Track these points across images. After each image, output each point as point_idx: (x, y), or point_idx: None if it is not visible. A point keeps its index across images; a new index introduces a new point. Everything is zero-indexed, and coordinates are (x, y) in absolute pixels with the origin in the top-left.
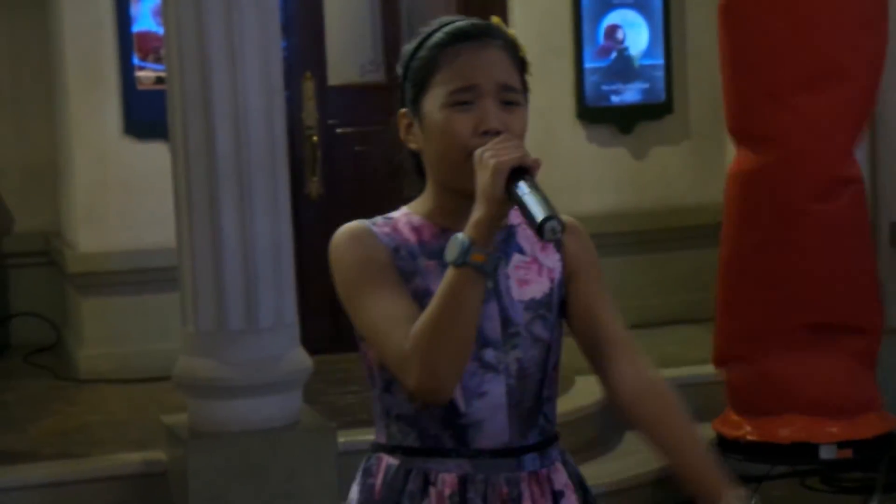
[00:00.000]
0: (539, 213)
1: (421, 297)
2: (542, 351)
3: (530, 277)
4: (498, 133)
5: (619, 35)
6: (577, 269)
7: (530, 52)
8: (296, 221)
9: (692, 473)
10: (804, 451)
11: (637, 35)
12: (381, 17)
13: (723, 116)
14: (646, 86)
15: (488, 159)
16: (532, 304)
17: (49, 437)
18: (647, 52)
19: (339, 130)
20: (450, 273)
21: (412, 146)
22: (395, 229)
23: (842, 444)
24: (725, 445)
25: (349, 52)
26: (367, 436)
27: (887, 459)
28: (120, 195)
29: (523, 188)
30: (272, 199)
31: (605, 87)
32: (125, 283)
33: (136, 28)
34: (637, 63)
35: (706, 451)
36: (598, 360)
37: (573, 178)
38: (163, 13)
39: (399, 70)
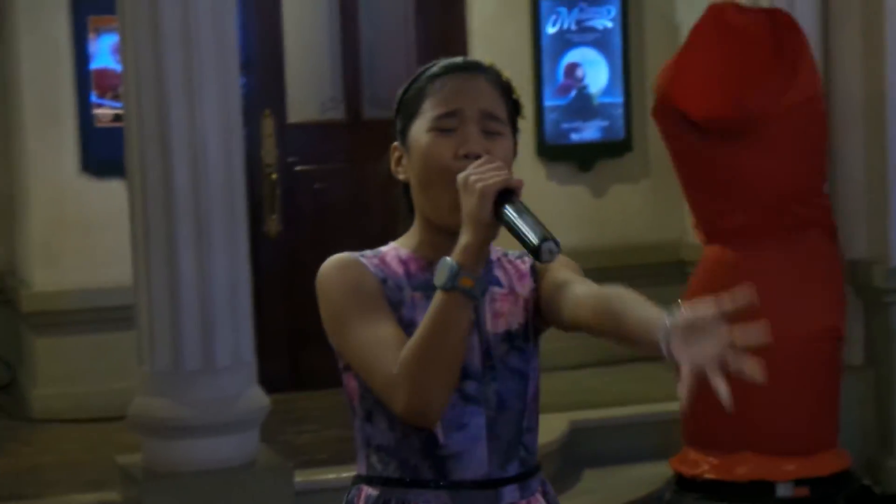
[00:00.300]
0: (534, 236)
1: (406, 328)
2: (520, 382)
3: (506, 309)
4: (479, 157)
5: (579, 73)
6: (546, 273)
7: None
8: (254, 260)
9: (639, 326)
10: (762, 489)
11: (597, 73)
12: (342, 54)
13: None
14: (605, 124)
15: (473, 183)
16: (507, 336)
17: (1, 477)
18: (607, 90)
19: (298, 168)
20: (438, 297)
21: (401, 177)
22: (383, 262)
23: (799, 482)
24: (684, 484)
25: (309, 90)
26: (325, 475)
27: (844, 497)
28: (76, 233)
29: (511, 211)
30: (230, 237)
31: (564, 125)
32: (81, 321)
33: (94, 65)
34: (596, 101)
35: (650, 305)
36: (567, 311)
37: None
38: (121, 50)
39: (395, 106)
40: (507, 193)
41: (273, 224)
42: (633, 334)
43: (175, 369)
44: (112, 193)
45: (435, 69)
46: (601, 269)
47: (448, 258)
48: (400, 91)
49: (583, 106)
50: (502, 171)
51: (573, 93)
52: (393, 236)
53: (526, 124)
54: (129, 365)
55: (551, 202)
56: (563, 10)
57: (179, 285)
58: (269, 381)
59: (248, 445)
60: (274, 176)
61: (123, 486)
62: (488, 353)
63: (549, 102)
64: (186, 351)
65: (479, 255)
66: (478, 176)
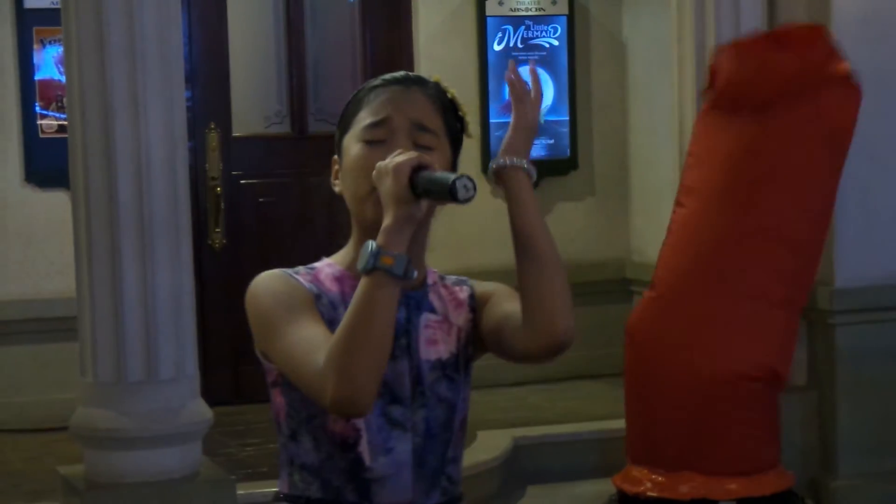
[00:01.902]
0: (448, 178)
1: None
2: (448, 411)
3: (438, 337)
4: None
5: None
6: (484, 302)
7: None
8: (198, 272)
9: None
10: None
11: (542, 91)
12: (287, 68)
13: (626, 173)
14: (551, 142)
15: (386, 165)
16: (438, 365)
17: None
18: (553, 109)
19: (243, 181)
20: (362, 281)
21: (337, 189)
22: (316, 279)
23: (741, 501)
24: (626, 501)
25: (254, 104)
26: (267, 488)
27: None
28: (19, 243)
29: (424, 175)
30: (174, 250)
31: None
32: (23, 332)
33: (39, 76)
34: (542, 119)
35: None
36: (526, 322)
37: (477, 233)
38: (65, 61)
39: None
40: (421, 170)
41: (217, 237)
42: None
43: (118, 381)
44: (56, 204)
45: (375, 81)
46: None
47: (370, 241)
48: (344, 106)
49: None
50: (412, 155)
51: None
52: (337, 250)
53: (472, 142)
54: (71, 376)
55: (495, 219)
56: (510, 27)
57: (123, 297)
58: (212, 394)
59: (190, 457)
60: (218, 189)
61: (65, 497)
62: (418, 379)
63: (494, 119)
64: (129, 362)
65: (400, 234)
66: (389, 159)
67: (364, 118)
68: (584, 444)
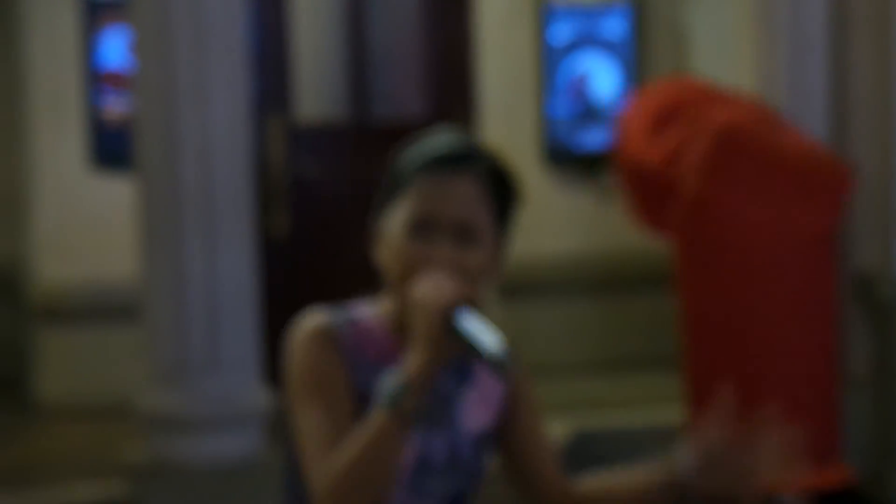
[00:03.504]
0: (484, 348)
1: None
2: (475, 482)
3: (481, 412)
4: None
5: (587, 81)
6: (517, 409)
7: (496, 92)
8: (261, 260)
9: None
10: (766, 501)
11: (605, 81)
12: (350, 57)
13: None
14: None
15: (424, 301)
16: (481, 439)
17: (7, 469)
18: (616, 96)
19: (305, 170)
20: (376, 413)
21: (376, 258)
22: (358, 342)
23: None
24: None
25: (317, 92)
26: None
27: None
28: (83, 228)
29: (461, 323)
30: (237, 235)
31: (571, 133)
32: (86, 316)
33: (104, 62)
34: (605, 109)
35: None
36: (539, 493)
37: (537, 221)
38: (131, 47)
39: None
40: (459, 307)
41: (280, 225)
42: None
43: (180, 365)
44: (119, 189)
45: (421, 157)
46: (605, 275)
47: (394, 375)
48: (396, 161)
49: (590, 114)
50: (449, 287)
51: (581, 100)
52: None
53: (532, 131)
54: (134, 360)
55: (556, 209)
56: (573, 17)
57: (186, 282)
58: (274, 380)
59: (252, 443)
60: (281, 178)
61: (128, 480)
62: (455, 449)
63: (555, 109)
64: (192, 347)
65: (427, 374)
66: (423, 293)
67: (407, 206)
68: (646, 435)
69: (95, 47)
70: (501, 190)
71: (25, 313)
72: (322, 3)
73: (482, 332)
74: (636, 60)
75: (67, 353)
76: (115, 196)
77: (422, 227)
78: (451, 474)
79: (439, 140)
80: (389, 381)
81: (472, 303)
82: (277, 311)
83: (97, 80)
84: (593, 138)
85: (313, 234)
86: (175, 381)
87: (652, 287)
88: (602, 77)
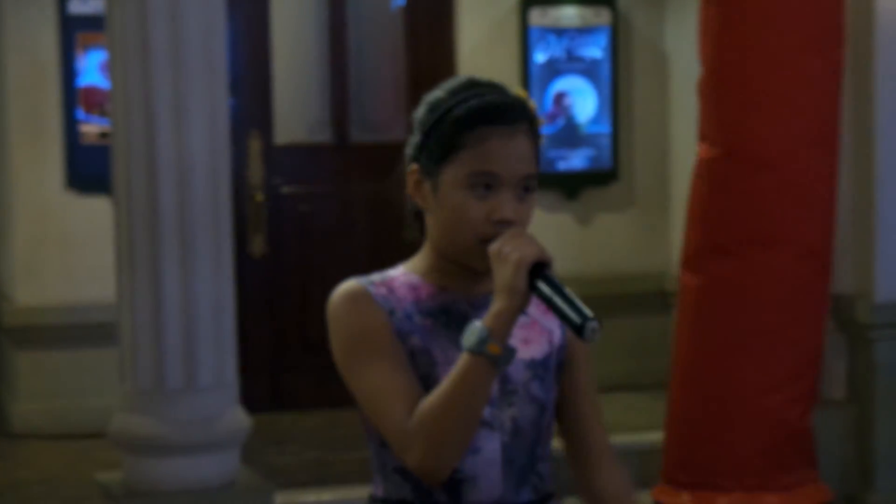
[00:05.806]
0: (576, 315)
1: (420, 355)
2: (538, 410)
3: (532, 338)
4: (509, 223)
5: (567, 102)
6: (573, 359)
7: None
8: (238, 280)
9: None
10: None
11: (585, 102)
12: (330, 76)
13: (668, 185)
14: (592, 153)
15: (508, 254)
16: (532, 364)
17: None
18: (595, 120)
19: (284, 189)
20: (464, 359)
21: (418, 202)
22: (390, 290)
23: None
24: None
25: (296, 112)
26: (305, 497)
27: None
28: (60, 249)
29: (547, 286)
30: (215, 256)
31: (551, 153)
32: (62, 337)
33: (82, 82)
34: (584, 130)
35: None
36: (579, 463)
37: None
38: (110, 68)
39: (416, 126)
40: (540, 265)
41: (258, 245)
42: None
43: (156, 388)
44: (96, 210)
45: (466, 114)
46: (585, 297)
47: (478, 322)
48: (425, 118)
49: (570, 135)
50: (534, 244)
51: (561, 121)
52: (378, 259)
53: None
54: (110, 382)
55: (536, 230)
56: (553, 38)
57: (163, 304)
58: (250, 402)
59: (228, 465)
60: (259, 197)
61: None
62: (506, 378)
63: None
64: (169, 369)
65: (510, 323)
66: (512, 247)
67: (468, 162)
68: (623, 456)
69: (74, 68)
70: (538, 139)
71: (0, 335)
72: (302, 23)
73: (571, 301)
74: (616, 81)
75: (43, 376)
76: (92, 217)
77: (485, 183)
78: (507, 403)
79: (476, 92)
80: (472, 329)
81: (550, 264)
82: (254, 330)
83: (75, 100)
84: (574, 159)
85: (292, 255)
86: (151, 404)
87: (632, 309)
88: (582, 98)
